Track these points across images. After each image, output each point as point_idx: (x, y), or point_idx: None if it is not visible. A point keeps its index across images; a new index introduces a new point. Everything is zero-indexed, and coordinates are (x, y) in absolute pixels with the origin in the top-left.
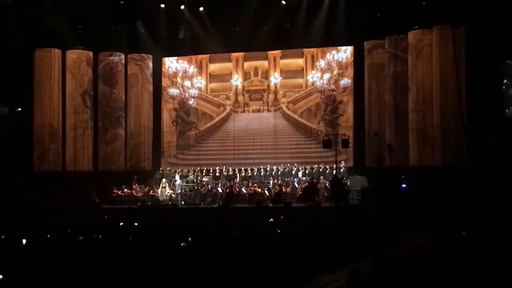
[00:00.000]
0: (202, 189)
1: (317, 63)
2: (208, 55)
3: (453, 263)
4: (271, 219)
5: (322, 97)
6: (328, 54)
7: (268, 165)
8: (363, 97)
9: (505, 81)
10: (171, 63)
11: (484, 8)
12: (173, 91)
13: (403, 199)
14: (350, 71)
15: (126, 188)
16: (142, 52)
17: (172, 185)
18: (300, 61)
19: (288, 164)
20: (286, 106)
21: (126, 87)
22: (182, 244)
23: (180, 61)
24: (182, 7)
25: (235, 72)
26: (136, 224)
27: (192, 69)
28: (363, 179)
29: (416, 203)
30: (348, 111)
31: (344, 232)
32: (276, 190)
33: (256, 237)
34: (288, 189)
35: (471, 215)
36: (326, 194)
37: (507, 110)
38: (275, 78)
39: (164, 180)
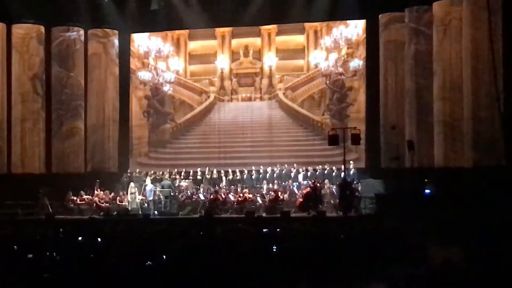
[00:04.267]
0: (180, 196)
1: (322, 41)
2: (187, 30)
3: (487, 283)
4: (265, 233)
5: (328, 82)
6: (335, 29)
7: (261, 166)
8: (378, 83)
9: None
10: (141, 41)
11: None
12: (144, 75)
13: (426, 207)
14: (362, 51)
15: (86, 195)
16: (106, 27)
17: (143, 191)
18: (300, 39)
19: (286, 165)
20: (284, 94)
21: (86, 70)
22: (148, 263)
23: (153, 38)
24: None
25: (221, 51)
26: (98, 239)
27: (167, 48)
28: (377, 183)
29: (443, 212)
30: (360, 99)
31: (354, 248)
32: (271, 197)
33: (247, 256)
34: (286, 196)
35: (510, 226)
36: (332, 201)
37: None
38: (270, 59)
39: (133, 184)
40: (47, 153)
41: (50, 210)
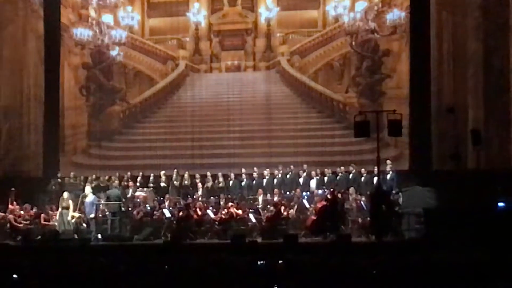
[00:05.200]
0: (135, 212)
1: None
2: None
3: None
4: (260, 267)
5: (354, 44)
6: None
7: (255, 168)
8: (428, 44)
9: None
10: None
11: None
12: (82, 33)
13: (500, 228)
14: None
15: None
16: None
17: (80, 205)
18: None
19: (292, 167)
20: (288, 61)
21: None
22: None
23: None
24: None
25: None
26: (15, 276)
27: None
28: (427, 194)
29: None
30: (401, 69)
31: None
32: (270, 214)
33: None
34: (292, 211)
35: None
36: (360, 220)
37: None
38: (268, 10)
39: (65, 195)
40: None
41: None
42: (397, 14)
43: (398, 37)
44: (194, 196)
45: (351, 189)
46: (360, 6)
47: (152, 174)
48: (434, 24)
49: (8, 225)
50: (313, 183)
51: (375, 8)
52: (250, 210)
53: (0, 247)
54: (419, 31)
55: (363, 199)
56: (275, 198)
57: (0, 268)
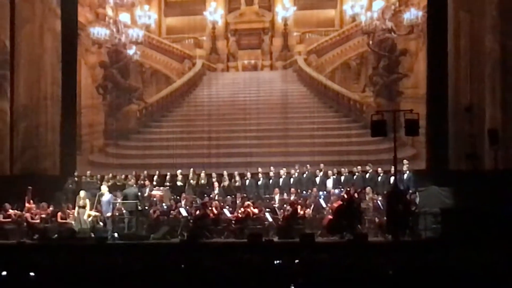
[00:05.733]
0: (152, 211)
1: None
2: None
3: None
4: (277, 266)
5: (371, 43)
6: None
7: (272, 167)
8: (445, 44)
9: None
10: None
11: None
12: (99, 32)
13: None
14: None
15: (13, 209)
16: None
17: (96, 204)
18: None
19: (309, 166)
20: (305, 60)
21: (12, 25)
22: None
23: None
24: None
25: None
26: (32, 274)
27: None
28: (444, 193)
29: None
30: (418, 68)
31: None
32: (286, 213)
33: None
34: (308, 211)
35: None
36: (377, 219)
37: None
38: (285, 9)
39: (82, 194)
40: None
41: None
42: (414, 14)
43: (415, 37)
44: (211, 195)
45: (368, 189)
46: (377, 5)
47: (168, 173)
48: (451, 23)
49: (25, 223)
50: (329, 183)
51: (392, 7)
52: (267, 209)
53: (17, 245)
54: (436, 31)
55: (380, 198)
56: (292, 197)
57: (17, 266)
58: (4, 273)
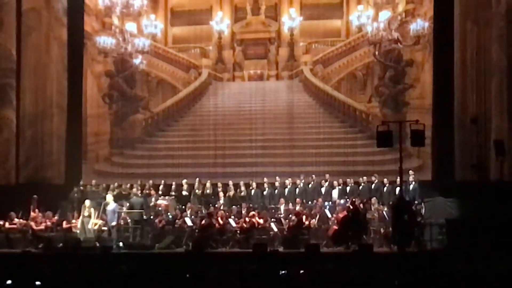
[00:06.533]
0: (157, 221)
1: None
2: None
3: None
4: (282, 276)
5: (377, 53)
6: None
7: (277, 177)
8: (452, 54)
9: None
10: None
11: None
12: (106, 41)
13: None
14: (429, 7)
15: (18, 217)
16: None
17: (101, 213)
18: None
19: (314, 176)
20: (311, 70)
21: (19, 34)
22: None
23: None
24: None
25: (219, 7)
26: (37, 283)
27: (139, 2)
28: (449, 204)
29: None
30: (424, 79)
31: None
32: (292, 223)
33: None
34: (314, 221)
35: None
36: (382, 230)
37: None
38: (291, 20)
39: (87, 203)
40: None
41: None
42: (420, 24)
43: (421, 47)
44: (216, 205)
45: (374, 199)
46: (384, 16)
47: (174, 183)
48: (457, 34)
49: (30, 232)
50: (335, 193)
51: (399, 18)
52: (272, 219)
53: (22, 254)
54: (442, 41)
55: (386, 209)
56: (297, 208)
57: (23, 275)
58: (9, 282)
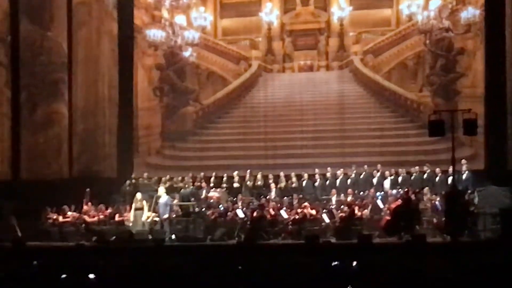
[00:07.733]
0: (209, 213)
1: None
2: None
3: None
4: (334, 268)
5: (428, 42)
6: None
7: (329, 168)
8: (504, 43)
9: None
10: None
11: None
12: (156, 34)
13: None
14: None
15: (71, 211)
16: None
17: (153, 205)
18: None
19: (366, 167)
20: (361, 60)
21: (70, 28)
22: None
23: None
24: None
25: None
26: (90, 276)
27: None
28: (503, 193)
29: None
30: (476, 67)
31: None
32: (344, 214)
33: None
34: (366, 211)
35: None
36: (435, 220)
37: None
38: (341, 10)
39: (139, 196)
40: (14, 150)
41: (19, 234)
42: (471, 12)
43: (472, 35)
44: (267, 197)
45: (426, 189)
46: (434, 4)
47: (225, 175)
48: (509, 21)
49: (83, 225)
50: (387, 183)
51: (449, 6)
52: (324, 211)
53: (76, 247)
54: (494, 29)
55: (438, 199)
56: (349, 198)
57: (76, 268)
58: (63, 276)
